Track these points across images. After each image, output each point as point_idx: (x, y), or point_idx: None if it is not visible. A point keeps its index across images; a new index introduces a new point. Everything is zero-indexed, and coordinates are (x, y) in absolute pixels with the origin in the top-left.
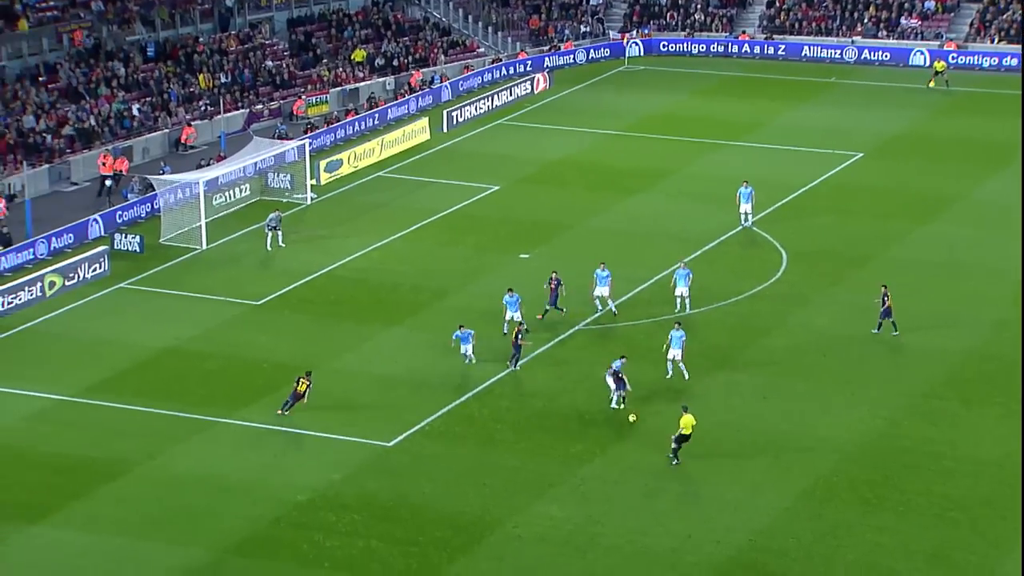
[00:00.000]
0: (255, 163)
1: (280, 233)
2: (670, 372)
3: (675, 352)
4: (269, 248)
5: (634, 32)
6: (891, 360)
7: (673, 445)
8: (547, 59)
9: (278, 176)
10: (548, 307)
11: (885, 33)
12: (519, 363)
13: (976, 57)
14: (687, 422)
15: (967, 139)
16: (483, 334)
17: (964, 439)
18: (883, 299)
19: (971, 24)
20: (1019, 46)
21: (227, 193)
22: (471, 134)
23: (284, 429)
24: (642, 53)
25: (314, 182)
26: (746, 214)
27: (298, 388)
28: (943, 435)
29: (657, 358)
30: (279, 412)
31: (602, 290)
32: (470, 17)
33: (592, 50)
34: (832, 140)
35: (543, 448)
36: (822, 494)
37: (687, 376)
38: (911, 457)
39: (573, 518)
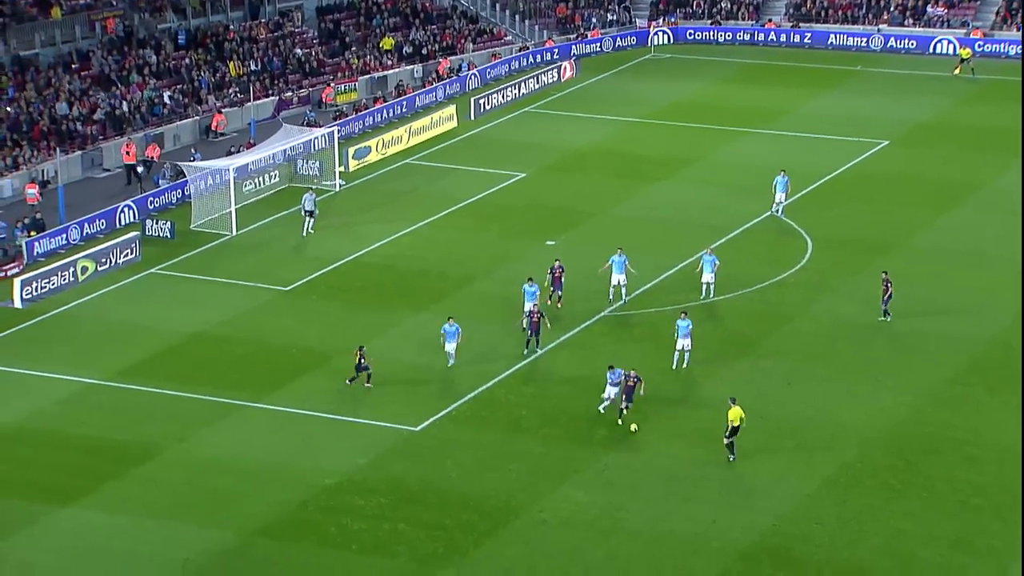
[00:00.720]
0: (284, 150)
1: (314, 220)
2: (675, 362)
3: (683, 342)
4: (304, 234)
5: (660, 20)
6: (914, 347)
7: (726, 440)
8: (574, 47)
9: (307, 163)
10: (559, 293)
11: (911, 21)
12: (540, 347)
13: (1002, 45)
14: (736, 414)
15: (992, 127)
16: (508, 320)
17: (987, 426)
18: (885, 286)
19: (997, 12)
20: None
21: (257, 180)
22: (498, 122)
23: (312, 413)
24: (668, 41)
25: (342, 169)
26: (779, 203)
27: (362, 361)
28: (966, 422)
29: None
30: (348, 382)
31: (619, 276)
32: (497, 5)
33: (618, 38)
34: (857, 128)
35: (568, 434)
36: (846, 480)
37: (686, 364)
38: (934, 443)
39: (598, 503)
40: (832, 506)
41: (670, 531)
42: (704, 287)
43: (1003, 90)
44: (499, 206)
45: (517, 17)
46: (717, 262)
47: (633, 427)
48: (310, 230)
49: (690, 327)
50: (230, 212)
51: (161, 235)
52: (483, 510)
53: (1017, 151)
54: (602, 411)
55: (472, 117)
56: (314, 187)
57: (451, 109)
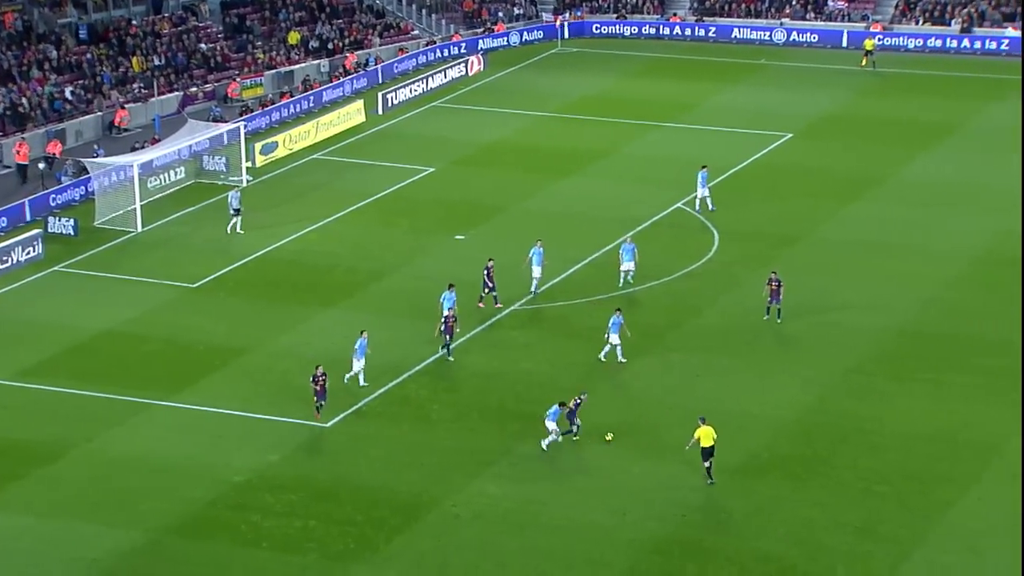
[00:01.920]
0: (190, 146)
1: (240, 219)
2: (604, 356)
3: (614, 336)
4: (230, 232)
5: (567, 14)
6: (821, 338)
7: (704, 464)
8: (481, 41)
9: (213, 159)
10: (494, 293)
11: (813, 15)
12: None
13: (901, 39)
14: (705, 434)
15: (894, 119)
16: (418, 315)
17: (892, 415)
18: (772, 284)
19: (896, 6)
20: (942, 27)
21: (162, 176)
22: (406, 116)
23: (222, 411)
24: (573, 36)
25: (249, 164)
26: (703, 199)
27: (316, 384)
28: (872, 411)
29: (592, 338)
30: (317, 417)
31: (538, 269)
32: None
33: (525, 32)
34: (762, 121)
35: (480, 427)
36: (754, 471)
37: (622, 359)
38: (840, 433)
39: (511, 496)
40: (741, 496)
41: (583, 524)
42: (623, 275)
43: (904, 83)
44: (408, 201)
45: (424, 11)
46: (636, 250)
47: (608, 436)
48: (238, 230)
49: (621, 323)
50: (135, 209)
51: (64, 232)
52: (395, 505)
53: (919, 143)
54: (545, 448)
55: (380, 112)
56: (218, 187)
57: (359, 104)
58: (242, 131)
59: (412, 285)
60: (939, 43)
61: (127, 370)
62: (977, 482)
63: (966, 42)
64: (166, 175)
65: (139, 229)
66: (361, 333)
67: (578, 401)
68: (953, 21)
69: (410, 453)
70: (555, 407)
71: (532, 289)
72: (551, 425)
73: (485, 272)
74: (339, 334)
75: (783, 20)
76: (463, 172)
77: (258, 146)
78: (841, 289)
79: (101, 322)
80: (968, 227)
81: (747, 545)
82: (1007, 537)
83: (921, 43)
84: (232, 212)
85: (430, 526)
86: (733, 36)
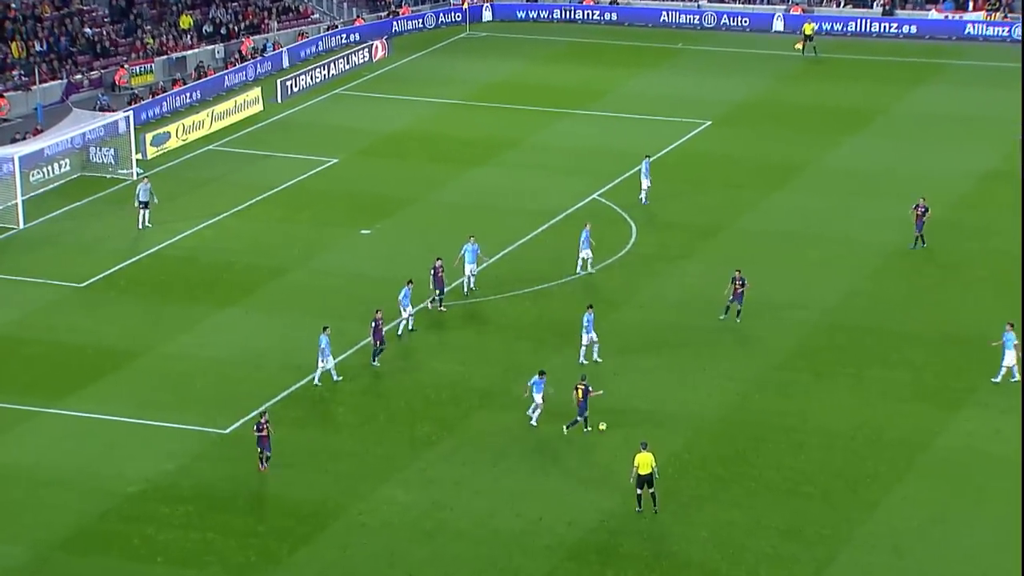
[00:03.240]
0: (75, 137)
1: (149, 211)
2: (583, 356)
3: (589, 336)
4: (141, 227)
5: None
6: (741, 333)
7: (637, 491)
8: (387, 25)
9: (100, 151)
10: (438, 294)
11: None
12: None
13: (822, 23)
14: (644, 461)
15: (815, 105)
16: (321, 312)
17: (815, 411)
18: (736, 284)
19: None
20: (865, 9)
21: (45, 169)
22: (307, 104)
23: (113, 418)
24: (485, 19)
25: (140, 156)
26: (646, 190)
27: (261, 433)
28: (794, 407)
29: (506, 335)
30: (261, 469)
31: (471, 266)
32: None
33: (432, 16)
34: (679, 108)
35: (387, 431)
36: (674, 471)
37: (598, 359)
38: (762, 431)
39: (420, 503)
40: (661, 498)
41: (496, 530)
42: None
43: (825, 68)
44: (310, 193)
45: None
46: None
47: (602, 426)
48: (147, 223)
49: (591, 319)
50: (16, 204)
51: None
52: (299, 515)
53: (841, 130)
54: (534, 423)
55: (279, 100)
56: (107, 181)
57: (256, 92)
58: (131, 121)
59: (315, 282)
60: (861, 26)
61: (9, 375)
62: (901, 481)
63: (888, 25)
64: (50, 168)
65: (21, 225)
66: (324, 329)
67: (586, 389)
68: (875, 3)
69: (314, 459)
70: (536, 377)
71: (466, 288)
72: (537, 398)
73: (432, 272)
74: (238, 334)
75: (701, 2)
76: (368, 163)
77: (149, 136)
78: (762, 282)
79: None
80: (890, 216)
81: (667, 549)
82: (933, 536)
83: (842, 27)
84: (139, 204)
85: (336, 536)
86: (655, 20)
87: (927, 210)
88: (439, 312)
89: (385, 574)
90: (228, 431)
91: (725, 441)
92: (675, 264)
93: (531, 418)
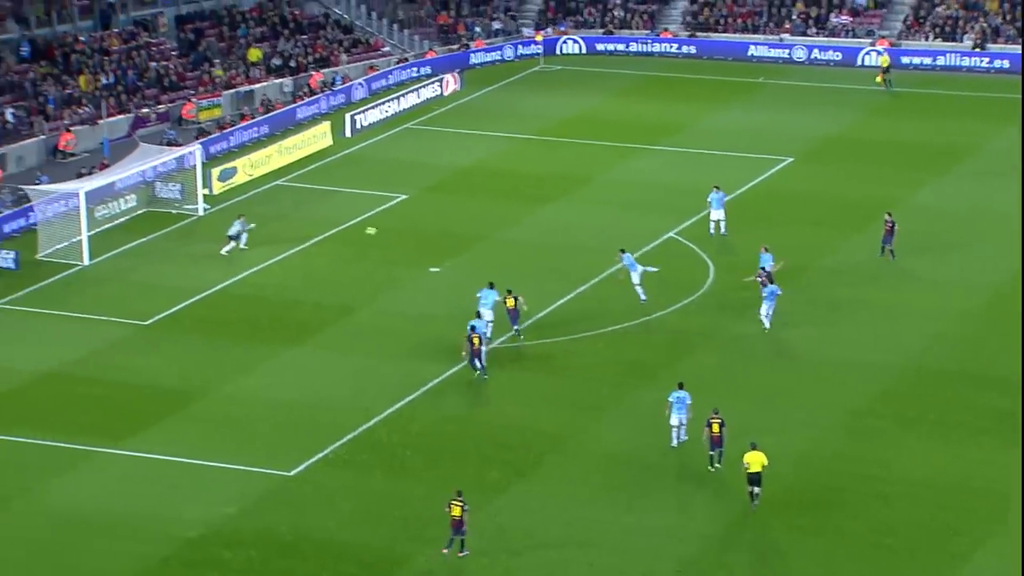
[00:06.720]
0: (142, 172)
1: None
2: (675, 439)
3: (679, 416)
4: (227, 252)
5: (549, 29)
6: (822, 376)
7: (748, 489)
8: (458, 59)
9: (167, 186)
10: (516, 328)
11: (815, 30)
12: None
13: (910, 57)
14: (754, 459)
15: (903, 142)
16: (389, 353)
17: (898, 459)
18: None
19: (905, 20)
20: (954, 43)
21: (111, 204)
22: (376, 139)
23: (174, 459)
24: (559, 53)
25: (207, 192)
26: (718, 222)
27: (452, 512)
28: (877, 455)
29: (575, 377)
30: (444, 551)
31: (489, 312)
32: (374, 14)
33: (505, 49)
34: (760, 144)
35: (456, 476)
36: (754, 521)
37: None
38: (843, 480)
39: (489, 551)
40: (740, 550)
41: None
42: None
43: (913, 103)
44: (379, 231)
45: (395, 26)
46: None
47: (370, 230)
48: (242, 246)
49: (687, 400)
50: (82, 240)
51: (4, 266)
52: (364, 562)
53: (930, 167)
54: (675, 445)
55: (348, 134)
56: (172, 216)
57: (325, 126)
58: (199, 155)
59: (383, 322)
60: (950, 60)
61: (71, 415)
62: (992, 534)
63: (978, 59)
64: (116, 203)
65: (86, 262)
66: (490, 285)
67: (721, 423)
68: (965, 37)
69: (380, 504)
70: (676, 391)
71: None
72: (673, 419)
73: (506, 309)
74: (304, 374)
75: (783, 35)
76: (438, 199)
77: (215, 172)
78: (847, 325)
79: (44, 363)
80: (984, 258)
81: None
82: None
83: (931, 60)
84: (231, 237)
85: None
86: (728, 53)
87: (895, 224)
88: (519, 340)
89: None
90: (292, 473)
91: (803, 489)
92: (752, 306)
93: (672, 439)
